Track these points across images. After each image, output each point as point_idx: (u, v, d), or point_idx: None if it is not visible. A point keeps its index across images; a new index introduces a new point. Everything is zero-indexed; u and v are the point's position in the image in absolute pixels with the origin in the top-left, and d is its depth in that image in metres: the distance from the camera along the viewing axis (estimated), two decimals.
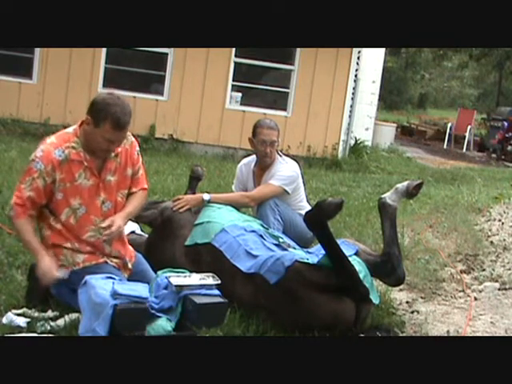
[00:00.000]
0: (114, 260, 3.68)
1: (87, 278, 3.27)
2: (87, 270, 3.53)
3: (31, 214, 3.52)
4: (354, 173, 11.77)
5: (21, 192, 3.48)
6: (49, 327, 3.33)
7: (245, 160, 5.16)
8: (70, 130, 3.63)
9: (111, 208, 3.65)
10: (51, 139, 3.56)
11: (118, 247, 3.70)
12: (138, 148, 3.80)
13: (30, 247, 3.54)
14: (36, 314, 3.46)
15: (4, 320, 3.35)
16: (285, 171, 4.85)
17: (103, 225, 3.53)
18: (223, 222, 4.18)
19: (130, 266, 3.75)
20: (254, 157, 5.03)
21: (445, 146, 20.69)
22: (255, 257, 3.84)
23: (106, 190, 3.61)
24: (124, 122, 3.43)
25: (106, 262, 3.63)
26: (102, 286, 3.18)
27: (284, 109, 12.20)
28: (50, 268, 3.42)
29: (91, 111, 3.47)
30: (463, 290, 4.77)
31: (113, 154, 3.60)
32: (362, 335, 3.55)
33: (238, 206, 4.67)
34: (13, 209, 3.50)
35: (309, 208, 4.99)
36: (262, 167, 4.94)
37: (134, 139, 3.76)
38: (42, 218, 3.60)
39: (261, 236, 4.09)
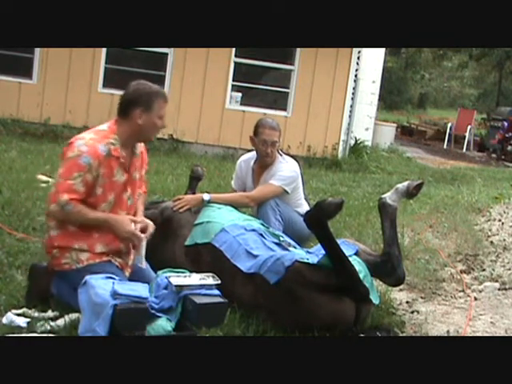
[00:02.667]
0: (118, 259, 3.68)
1: (87, 277, 3.27)
2: (90, 268, 3.53)
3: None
4: (354, 173, 11.76)
5: (72, 188, 3.45)
6: (49, 327, 3.33)
7: (244, 156, 5.16)
8: (103, 127, 3.67)
9: (133, 204, 3.75)
10: (89, 135, 3.59)
11: (127, 244, 3.72)
12: None
13: (101, 219, 3.54)
14: (36, 314, 3.46)
15: (4, 320, 3.35)
16: (285, 171, 4.85)
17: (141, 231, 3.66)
18: (223, 222, 4.18)
19: (130, 264, 3.77)
20: (254, 154, 5.02)
21: (445, 146, 20.69)
22: (255, 257, 3.84)
23: (131, 185, 3.71)
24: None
25: (110, 261, 3.63)
26: (102, 286, 3.18)
27: (284, 109, 12.20)
28: (129, 225, 3.56)
29: (138, 103, 3.59)
30: (463, 290, 4.78)
31: (138, 152, 3.74)
32: (362, 335, 3.55)
33: (238, 206, 4.67)
34: (68, 204, 3.44)
35: (307, 205, 5.01)
36: (262, 166, 4.94)
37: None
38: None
39: (261, 235, 4.08)
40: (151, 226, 3.72)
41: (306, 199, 5.12)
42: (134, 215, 3.77)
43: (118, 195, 3.65)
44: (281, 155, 4.96)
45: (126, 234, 3.59)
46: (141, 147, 3.80)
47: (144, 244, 3.63)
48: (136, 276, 3.69)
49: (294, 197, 4.95)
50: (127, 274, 3.70)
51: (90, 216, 3.53)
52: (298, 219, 4.64)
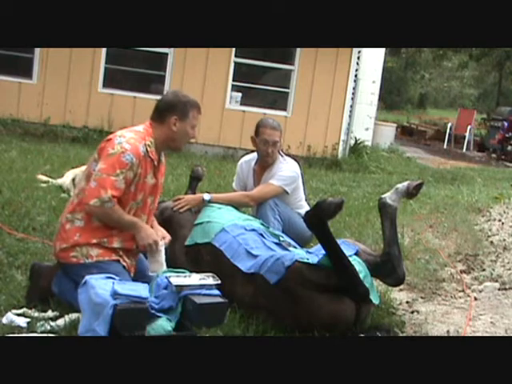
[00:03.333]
0: (126, 260, 3.69)
1: (87, 278, 3.26)
2: (98, 264, 3.53)
3: None
4: (354, 173, 11.76)
5: (115, 184, 3.47)
6: (49, 327, 3.33)
7: (246, 157, 5.16)
8: (139, 128, 3.70)
9: (152, 209, 3.79)
10: (129, 134, 3.61)
11: (142, 247, 3.73)
12: None
13: (132, 223, 3.59)
14: (36, 314, 3.46)
15: (4, 320, 3.35)
16: (285, 171, 4.85)
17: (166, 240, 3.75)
18: (223, 222, 4.18)
19: (135, 265, 3.78)
20: (254, 155, 5.02)
21: (445, 146, 20.69)
22: (255, 256, 3.84)
23: (156, 191, 3.76)
24: None
25: (118, 261, 3.63)
26: (102, 286, 3.18)
27: (284, 109, 12.20)
28: (154, 234, 3.62)
29: (174, 110, 3.67)
30: (463, 290, 4.78)
31: (163, 159, 3.80)
32: (361, 335, 3.55)
33: (238, 206, 4.67)
34: (110, 200, 3.46)
35: (307, 207, 5.00)
36: (263, 166, 4.94)
37: None
38: (81, 208, 3.57)
39: (261, 235, 4.09)
40: (168, 238, 3.79)
41: (306, 200, 5.12)
42: (149, 222, 3.80)
43: (145, 197, 3.68)
44: (282, 156, 4.96)
45: (149, 241, 3.59)
46: (163, 155, 3.86)
47: (163, 251, 3.66)
48: (137, 276, 3.69)
49: (294, 198, 4.95)
50: (132, 275, 3.71)
51: (124, 218, 3.55)
52: (298, 221, 4.63)
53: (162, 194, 6.44)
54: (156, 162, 3.68)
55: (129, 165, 3.50)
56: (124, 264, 3.65)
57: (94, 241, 3.57)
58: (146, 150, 3.59)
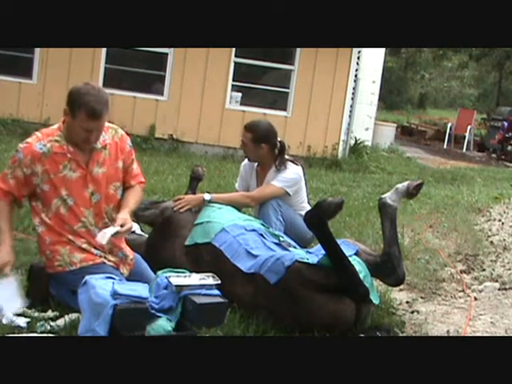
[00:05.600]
0: (112, 259, 3.68)
1: (87, 278, 3.26)
2: (84, 270, 3.51)
3: (11, 201, 3.64)
4: (354, 173, 11.77)
5: (5, 177, 3.64)
6: (49, 327, 3.33)
7: None
8: (55, 125, 3.70)
9: (100, 200, 3.66)
10: (37, 134, 3.67)
11: (115, 242, 3.69)
12: (129, 141, 3.84)
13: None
14: (36, 314, 3.46)
15: (4, 320, 3.34)
16: (287, 173, 4.84)
17: (117, 224, 3.54)
18: (223, 222, 4.18)
19: (129, 260, 3.76)
20: None
21: (445, 146, 20.70)
22: (255, 256, 3.84)
23: (94, 181, 3.63)
24: (98, 111, 3.43)
25: (104, 263, 3.62)
26: (102, 286, 3.18)
27: (284, 109, 12.20)
28: (3, 260, 3.54)
29: (68, 102, 3.51)
30: (463, 290, 4.78)
31: (99, 146, 3.63)
32: (361, 335, 3.55)
33: (238, 206, 4.67)
34: None
35: (309, 209, 5.00)
36: (265, 168, 4.94)
37: (123, 133, 3.81)
38: (35, 213, 3.66)
39: (261, 235, 4.09)
40: (128, 228, 3.61)
41: (309, 203, 5.12)
42: (118, 208, 3.68)
43: (77, 192, 3.58)
44: (288, 160, 4.90)
45: None
46: (110, 139, 3.68)
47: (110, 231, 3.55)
48: (136, 276, 3.69)
49: (297, 200, 4.94)
50: (125, 270, 3.70)
51: None
52: (300, 222, 4.62)
53: (161, 193, 6.42)
54: (70, 154, 3.56)
55: (16, 162, 3.61)
56: (111, 264, 3.65)
57: (64, 238, 3.59)
58: (51, 146, 3.56)
